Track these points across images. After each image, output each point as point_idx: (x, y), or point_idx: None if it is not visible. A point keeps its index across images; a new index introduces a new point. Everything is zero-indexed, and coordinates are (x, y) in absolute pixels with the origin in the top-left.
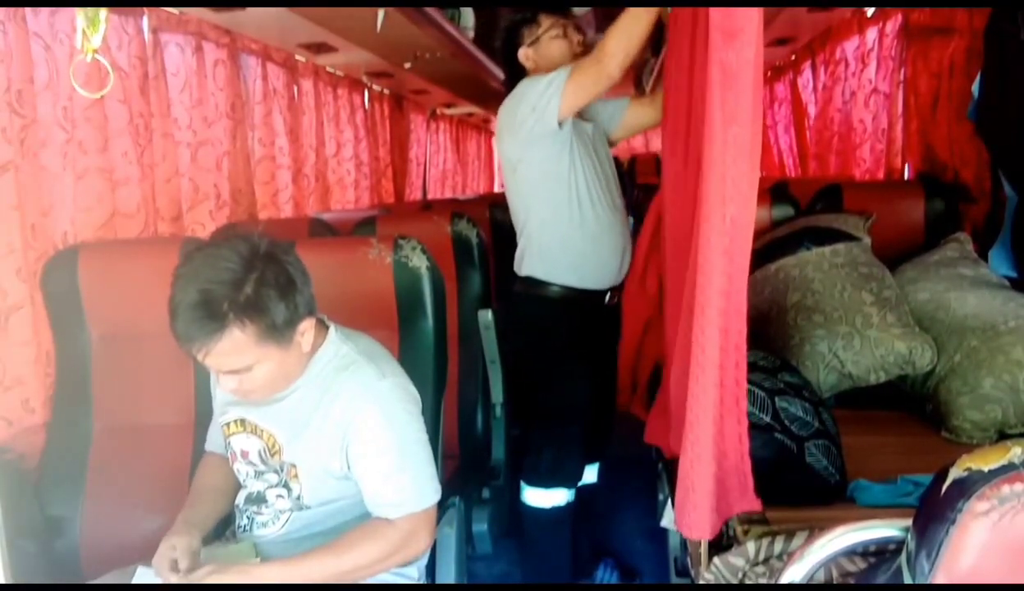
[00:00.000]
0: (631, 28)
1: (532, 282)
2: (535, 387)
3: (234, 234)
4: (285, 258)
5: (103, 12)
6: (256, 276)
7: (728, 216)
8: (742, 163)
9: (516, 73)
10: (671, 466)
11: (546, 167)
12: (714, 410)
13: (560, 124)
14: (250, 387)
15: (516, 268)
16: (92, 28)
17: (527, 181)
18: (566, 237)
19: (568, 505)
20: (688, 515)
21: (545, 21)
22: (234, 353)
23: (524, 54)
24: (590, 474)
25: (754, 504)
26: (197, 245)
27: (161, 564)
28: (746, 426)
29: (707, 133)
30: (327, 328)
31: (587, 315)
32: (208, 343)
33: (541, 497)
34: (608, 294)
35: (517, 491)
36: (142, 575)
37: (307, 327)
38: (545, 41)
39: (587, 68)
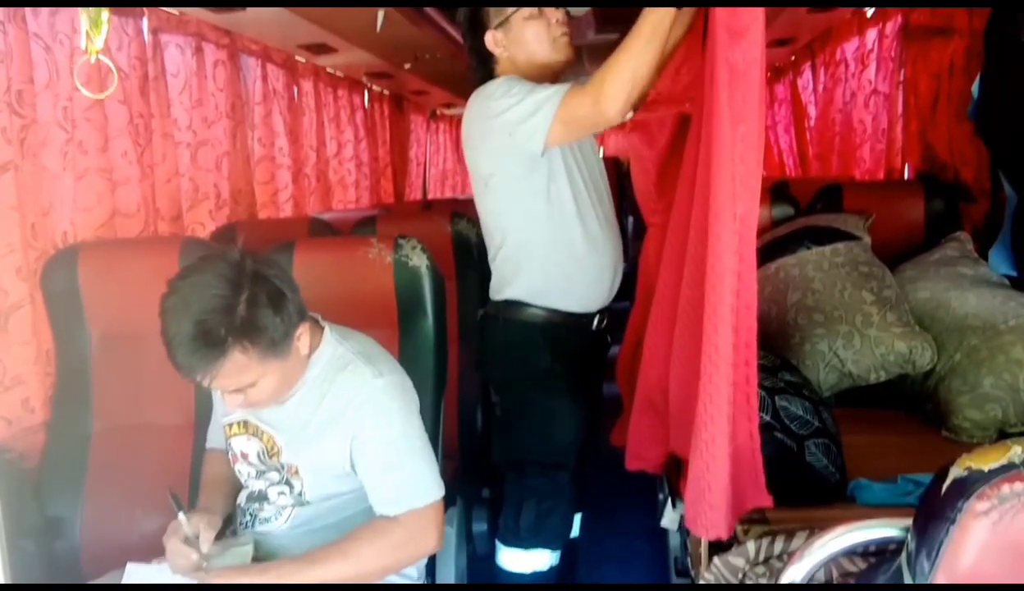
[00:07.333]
0: (641, 55)
1: (509, 304)
2: (512, 427)
3: (211, 255)
4: (269, 271)
5: (105, 13)
6: (246, 296)
7: (737, 214)
8: (750, 161)
9: (484, 61)
10: (671, 466)
11: (523, 181)
12: (729, 409)
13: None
14: (256, 399)
15: (493, 296)
16: (95, 29)
17: (502, 196)
18: (548, 259)
19: (552, 570)
20: (704, 515)
21: None
22: (238, 374)
23: (492, 38)
24: (573, 527)
25: (765, 499)
26: (179, 273)
27: (172, 537)
28: (757, 423)
29: (715, 132)
30: (322, 329)
31: (574, 341)
32: (211, 370)
33: (519, 560)
34: (597, 317)
35: None
36: (133, 573)
37: (302, 331)
38: (516, 22)
39: (580, 104)
